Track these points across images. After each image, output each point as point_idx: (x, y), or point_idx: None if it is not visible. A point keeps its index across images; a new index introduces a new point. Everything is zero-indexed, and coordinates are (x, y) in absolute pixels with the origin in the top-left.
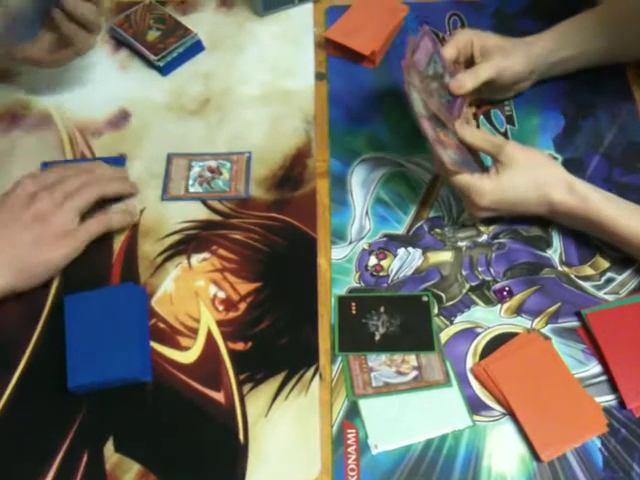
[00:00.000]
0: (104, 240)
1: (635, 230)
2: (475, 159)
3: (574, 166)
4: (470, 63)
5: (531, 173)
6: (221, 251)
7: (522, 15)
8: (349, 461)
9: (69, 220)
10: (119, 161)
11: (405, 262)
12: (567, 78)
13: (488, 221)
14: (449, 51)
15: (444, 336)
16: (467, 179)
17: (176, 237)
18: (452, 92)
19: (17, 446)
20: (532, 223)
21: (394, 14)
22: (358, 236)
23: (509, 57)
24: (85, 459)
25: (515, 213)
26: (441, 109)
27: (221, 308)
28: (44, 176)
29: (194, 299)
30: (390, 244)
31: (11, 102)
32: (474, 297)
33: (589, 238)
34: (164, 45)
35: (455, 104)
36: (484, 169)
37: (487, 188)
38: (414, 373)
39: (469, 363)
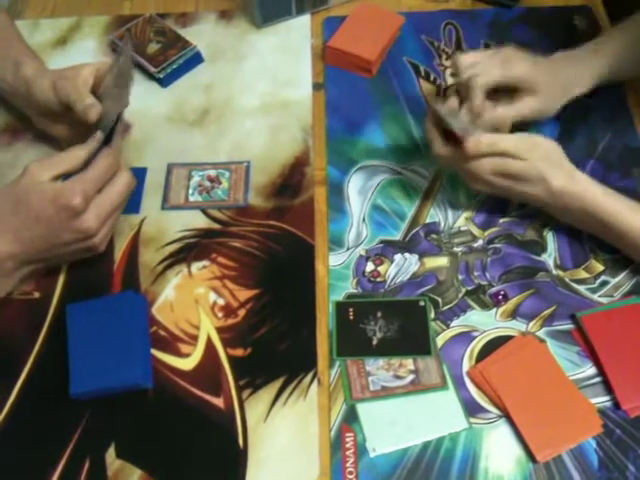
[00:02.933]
0: (105, 249)
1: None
2: None
3: None
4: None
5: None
6: (220, 259)
7: (516, 23)
8: (347, 464)
9: (104, 242)
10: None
11: (402, 267)
12: None
13: (484, 185)
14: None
15: (441, 340)
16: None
17: (176, 245)
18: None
19: (20, 453)
20: (527, 228)
21: (391, 24)
22: (355, 242)
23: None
24: (87, 465)
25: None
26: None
27: (220, 315)
28: (88, 182)
29: (194, 306)
30: (387, 250)
31: (13, 116)
32: (470, 301)
33: (583, 242)
34: (164, 57)
35: None
36: None
37: None
38: (411, 377)
39: (465, 366)
